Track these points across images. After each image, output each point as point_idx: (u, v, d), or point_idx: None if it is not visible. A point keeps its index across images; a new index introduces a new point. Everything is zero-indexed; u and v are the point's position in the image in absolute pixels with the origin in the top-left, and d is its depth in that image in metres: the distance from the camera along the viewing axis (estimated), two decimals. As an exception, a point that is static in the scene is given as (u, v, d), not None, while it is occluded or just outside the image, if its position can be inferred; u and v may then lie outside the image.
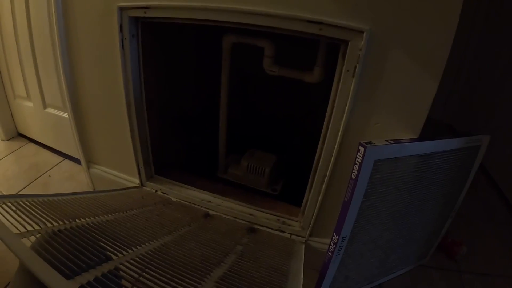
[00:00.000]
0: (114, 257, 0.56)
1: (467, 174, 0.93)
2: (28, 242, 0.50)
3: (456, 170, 0.88)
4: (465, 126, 1.89)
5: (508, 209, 1.37)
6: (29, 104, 1.44)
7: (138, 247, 0.63)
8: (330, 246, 0.76)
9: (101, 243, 0.58)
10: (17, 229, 0.52)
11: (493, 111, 1.63)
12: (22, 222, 0.55)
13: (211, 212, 0.97)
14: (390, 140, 0.70)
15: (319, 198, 0.84)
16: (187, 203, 1.01)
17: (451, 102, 1.97)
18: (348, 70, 0.69)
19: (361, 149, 0.65)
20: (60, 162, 1.45)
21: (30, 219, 0.57)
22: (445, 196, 0.92)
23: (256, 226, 0.92)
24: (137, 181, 1.08)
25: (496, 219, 1.32)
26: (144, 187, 1.08)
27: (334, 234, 0.74)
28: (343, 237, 0.74)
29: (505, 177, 1.47)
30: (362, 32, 0.66)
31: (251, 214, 0.95)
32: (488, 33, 1.72)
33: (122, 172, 1.13)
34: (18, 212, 0.58)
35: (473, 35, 1.79)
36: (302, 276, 0.69)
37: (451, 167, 0.86)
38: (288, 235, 0.91)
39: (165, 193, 1.05)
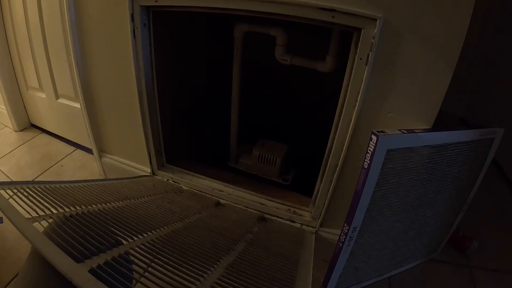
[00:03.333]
0: (124, 242, 0.57)
1: (480, 167, 0.91)
2: (39, 226, 0.51)
3: (469, 163, 0.86)
4: (478, 120, 1.85)
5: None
6: (42, 95, 1.46)
7: (149, 233, 0.63)
8: (341, 237, 0.76)
9: (112, 229, 0.59)
10: (29, 214, 0.53)
11: (507, 105, 1.59)
12: (34, 207, 0.56)
13: (222, 201, 0.97)
14: (403, 129, 0.69)
15: (330, 188, 0.84)
16: (198, 191, 1.02)
17: (464, 95, 1.93)
18: (361, 58, 0.68)
19: (374, 138, 0.64)
20: (73, 152, 1.47)
21: (42, 204, 0.58)
22: (458, 189, 0.91)
23: (267, 216, 0.93)
24: (149, 170, 1.09)
25: (508, 215, 1.29)
26: (155, 176, 1.08)
27: (345, 224, 0.74)
28: (354, 228, 0.74)
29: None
30: (375, 19, 0.65)
31: (262, 204, 0.96)
32: (504, 23, 1.67)
33: (133, 161, 1.14)
34: (29, 197, 0.59)
35: (488, 24, 1.75)
36: (311, 266, 0.69)
37: (464, 160, 0.84)
38: (299, 225, 0.92)
39: (176, 182, 1.06)
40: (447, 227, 1.01)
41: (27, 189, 0.62)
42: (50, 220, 0.54)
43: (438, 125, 0.74)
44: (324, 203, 0.86)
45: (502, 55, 1.70)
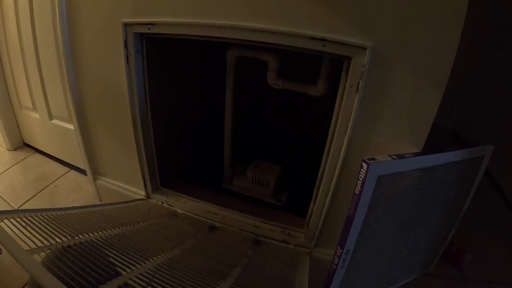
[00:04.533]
0: (123, 272, 0.57)
1: (471, 184, 0.93)
2: (38, 258, 0.51)
3: (460, 181, 0.88)
4: (469, 131, 1.89)
5: (513, 216, 1.37)
6: (35, 115, 1.46)
7: (146, 262, 0.63)
8: (334, 259, 0.77)
9: (110, 259, 0.59)
10: (27, 245, 0.54)
11: (497, 116, 1.62)
12: (32, 238, 0.56)
13: (216, 224, 0.98)
14: (393, 155, 0.70)
15: (324, 210, 0.85)
16: (193, 215, 1.02)
17: (455, 107, 1.96)
18: (351, 86, 0.70)
19: (364, 165, 0.66)
20: (66, 172, 1.46)
21: (40, 234, 0.58)
22: (450, 207, 0.92)
23: (261, 238, 0.93)
24: (143, 193, 1.09)
25: (501, 227, 1.31)
26: (150, 199, 1.09)
27: (338, 248, 0.75)
28: (347, 250, 0.75)
29: (510, 184, 1.46)
30: (365, 48, 0.66)
31: (256, 226, 0.96)
32: (492, 36, 1.71)
33: (128, 184, 1.14)
34: (27, 228, 0.59)
35: (477, 38, 1.79)
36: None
37: (455, 179, 0.86)
38: (293, 247, 0.92)
39: (171, 205, 1.06)
40: (441, 242, 1.03)
41: (25, 219, 0.62)
42: (48, 251, 0.55)
43: (430, 139, 0.76)
44: (318, 225, 0.87)
45: (490, 67, 1.74)
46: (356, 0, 0.65)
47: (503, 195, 1.48)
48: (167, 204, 1.06)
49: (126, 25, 0.85)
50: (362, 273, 0.85)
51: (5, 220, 0.59)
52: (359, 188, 0.67)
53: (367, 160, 0.66)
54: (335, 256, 0.77)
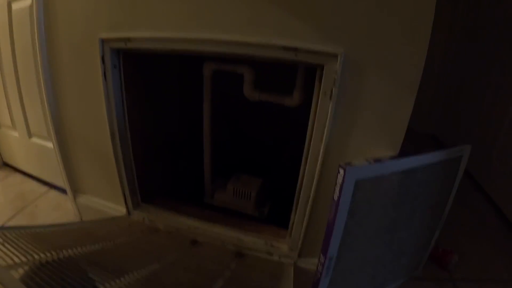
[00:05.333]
0: (101, 287, 0.56)
1: (451, 184, 0.94)
2: (16, 274, 0.51)
3: (440, 182, 0.89)
4: (449, 134, 1.93)
5: (497, 213, 1.39)
6: (14, 133, 1.43)
7: (125, 276, 0.62)
8: (318, 267, 0.76)
9: (89, 274, 0.59)
10: (5, 261, 0.53)
11: (475, 118, 1.67)
12: (10, 254, 0.56)
13: (198, 238, 0.96)
14: (370, 159, 0.71)
15: (305, 219, 0.85)
16: (174, 230, 1.00)
17: (434, 112, 2.01)
18: (325, 93, 0.71)
19: (341, 171, 0.66)
20: (47, 191, 1.43)
21: (18, 251, 0.58)
22: (432, 208, 0.93)
23: (244, 251, 0.92)
24: (124, 209, 1.07)
25: (485, 225, 1.33)
26: (131, 216, 1.07)
27: (321, 255, 0.75)
28: (330, 257, 0.75)
29: (492, 182, 1.50)
30: (336, 56, 0.68)
31: (239, 239, 0.95)
32: (467, 41, 1.78)
33: (108, 201, 1.12)
34: (5, 244, 0.59)
35: (452, 43, 1.86)
36: (291, 299, 0.68)
37: (434, 180, 0.87)
38: (277, 258, 0.91)
39: (152, 221, 1.04)
40: (426, 245, 1.03)
41: (3, 235, 0.62)
42: (27, 267, 0.54)
43: (409, 144, 0.77)
44: (300, 234, 0.87)
45: (467, 72, 1.80)
46: (325, 9, 0.67)
47: (486, 195, 1.51)
48: (148, 220, 1.04)
49: (103, 40, 0.86)
50: (348, 279, 0.84)
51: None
52: (337, 194, 0.68)
53: (343, 165, 0.66)
54: (319, 264, 0.76)
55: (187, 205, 1.11)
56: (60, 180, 1.23)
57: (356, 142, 0.76)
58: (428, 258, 1.06)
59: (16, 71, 1.25)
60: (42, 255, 0.59)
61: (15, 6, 1.14)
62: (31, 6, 1.05)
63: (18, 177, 1.53)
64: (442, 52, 1.88)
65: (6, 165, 1.60)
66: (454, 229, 1.24)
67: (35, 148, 1.37)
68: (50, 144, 1.28)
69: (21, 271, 0.52)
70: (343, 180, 0.66)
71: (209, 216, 1.05)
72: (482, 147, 1.53)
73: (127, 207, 1.07)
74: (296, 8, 0.68)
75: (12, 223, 1.21)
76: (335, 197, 0.68)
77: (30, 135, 1.37)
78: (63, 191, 1.37)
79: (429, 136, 2.07)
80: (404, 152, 0.77)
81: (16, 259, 0.55)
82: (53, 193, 1.42)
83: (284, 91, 0.96)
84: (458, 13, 1.80)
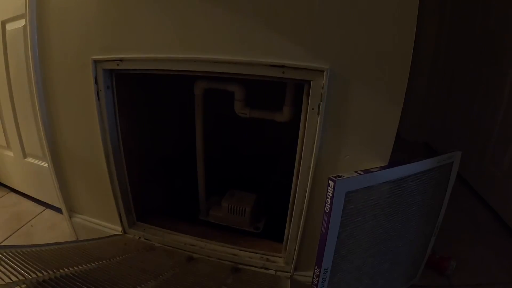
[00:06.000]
0: None
1: (443, 191, 0.95)
2: None
3: (432, 189, 0.90)
4: (441, 142, 1.95)
5: (493, 216, 1.40)
6: (9, 153, 1.43)
7: (122, 295, 0.63)
8: (314, 279, 0.77)
9: None
10: (2, 280, 0.53)
11: (466, 124, 1.69)
12: (7, 273, 0.56)
13: (194, 255, 0.96)
14: (360, 171, 0.72)
15: (299, 232, 0.85)
16: (170, 247, 1.00)
17: (425, 121, 2.04)
18: (313, 108, 0.73)
19: (331, 183, 0.67)
20: (42, 211, 1.42)
21: (15, 269, 0.58)
22: (425, 216, 0.94)
23: (240, 266, 0.92)
24: (120, 228, 1.07)
25: (482, 229, 1.33)
26: (126, 234, 1.06)
27: (316, 267, 0.75)
28: (325, 269, 0.75)
29: (486, 187, 1.51)
30: (322, 71, 0.70)
31: (234, 254, 0.95)
32: (455, 47, 1.82)
33: (104, 220, 1.12)
34: (2, 263, 0.59)
35: (440, 52, 1.90)
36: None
37: (426, 188, 0.88)
38: (273, 272, 0.91)
39: (148, 239, 1.04)
40: (422, 252, 1.03)
41: None
42: (24, 286, 0.54)
43: (403, 154, 0.78)
44: (295, 248, 0.87)
45: (455, 80, 1.83)
46: (311, 27, 0.69)
47: (481, 200, 1.51)
48: (144, 239, 1.04)
49: (96, 61, 0.87)
50: (345, 291, 0.85)
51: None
52: (329, 206, 0.69)
53: (333, 178, 0.67)
54: (314, 276, 0.76)
55: (182, 222, 1.12)
56: (56, 200, 1.23)
57: (345, 154, 0.77)
58: (426, 265, 1.06)
59: (10, 91, 1.27)
60: (39, 273, 0.59)
61: (9, 27, 1.16)
62: (25, 27, 1.06)
63: (13, 197, 1.52)
64: (432, 60, 1.92)
65: (1, 184, 1.60)
66: (450, 235, 1.24)
67: (30, 168, 1.38)
68: (45, 164, 1.28)
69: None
70: (333, 193, 0.67)
71: (204, 233, 1.05)
72: (474, 152, 1.55)
73: (122, 226, 1.07)
74: (282, 26, 0.70)
75: (7, 243, 1.20)
76: (327, 209, 0.69)
77: (25, 155, 1.38)
78: (58, 210, 1.36)
79: (422, 145, 2.09)
80: (395, 161, 0.78)
81: (13, 278, 0.55)
82: (49, 213, 1.41)
83: (274, 108, 0.98)
84: (445, 20, 1.85)
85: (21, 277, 0.56)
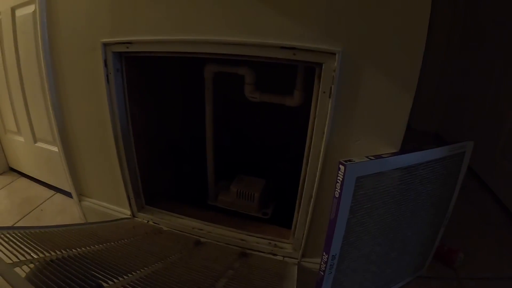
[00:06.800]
0: (105, 284, 0.57)
1: (454, 181, 0.93)
2: (21, 271, 0.52)
3: (443, 179, 0.88)
4: (452, 133, 1.92)
5: (502, 210, 1.38)
6: (20, 138, 1.45)
7: (129, 275, 0.63)
8: (321, 266, 0.76)
9: (93, 272, 0.60)
10: (10, 259, 0.54)
11: (478, 115, 1.66)
12: (15, 252, 0.57)
13: (202, 239, 0.97)
14: (371, 156, 0.71)
15: (308, 218, 0.85)
16: (178, 231, 1.01)
17: (436, 111, 2.00)
18: (324, 92, 0.72)
19: (341, 167, 0.66)
20: (52, 195, 1.44)
21: (23, 249, 0.59)
22: (435, 205, 0.92)
23: (248, 251, 0.92)
24: (129, 212, 1.08)
25: (491, 222, 1.31)
26: (135, 218, 1.08)
27: (324, 253, 0.75)
28: (333, 256, 0.74)
29: (496, 180, 1.48)
30: (334, 54, 0.69)
31: (242, 239, 0.95)
32: (469, 39, 1.77)
33: (113, 204, 1.13)
34: (10, 243, 0.60)
35: (453, 41, 1.85)
36: (295, 298, 0.68)
37: (437, 177, 0.86)
38: (281, 258, 0.91)
39: (156, 223, 1.05)
40: (431, 243, 1.02)
41: (8, 235, 0.62)
42: (32, 265, 0.55)
43: (413, 144, 0.76)
44: (304, 234, 0.87)
45: (468, 72, 1.79)
46: (323, 8, 0.67)
47: (491, 192, 1.49)
48: (153, 222, 1.05)
49: (105, 44, 0.87)
50: (352, 279, 0.84)
51: (-13, 236, 0.59)
52: (338, 191, 0.68)
53: (344, 162, 0.66)
54: (322, 262, 0.76)
55: (191, 207, 1.12)
56: (65, 184, 1.24)
57: (356, 139, 0.76)
58: (434, 257, 1.05)
59: (20, 77, 1.28)
60: (47, 253, 0.60)
61: (18, 13, 1.16)
62: (34, 12, 1.07)
63: (24, 181, 1.55)
64: (444, 50, 1.88)
65: (12, 170, 1.62)
66: (459, 227, 1.22)
67: (40, 153, 1.39)
68: (55, 149, 1.29)
69: (26, 268, 0.53)
70: (343, 177, 0.67)
71: (213, 217, 1.05)
72: (485, 145, 1.52)
73: (131, 210, 1.08)
74: (293, 7, 0.69)
75: (18, 227, 1.23)
76: (336, 194, 0.68)
77: (35, 140, 1.39)
78: (68, 195, 1.38)
79: (432, 135, 2.06)
80: (406, 149, 0.77)
81: (21, 257, 0.55)
82: (59, 197, 1.43)
83: (284, 92, 0.97)
84: (458, 11, 1.80)
85: (28, 257, 0.57)
